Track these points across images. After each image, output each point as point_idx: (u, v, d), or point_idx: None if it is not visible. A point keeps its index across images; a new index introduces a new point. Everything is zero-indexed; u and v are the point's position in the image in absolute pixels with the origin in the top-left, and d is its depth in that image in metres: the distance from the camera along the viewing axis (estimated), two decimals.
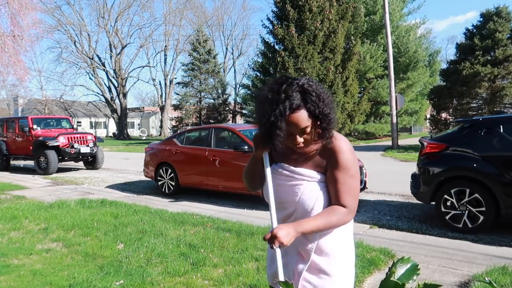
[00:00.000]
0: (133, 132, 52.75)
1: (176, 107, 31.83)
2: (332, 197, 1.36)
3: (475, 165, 4.59)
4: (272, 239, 1.23)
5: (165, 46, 42.98)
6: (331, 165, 1.36)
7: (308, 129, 1.31)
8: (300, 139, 1.32)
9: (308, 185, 1.37)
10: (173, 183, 7.52)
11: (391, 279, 0.96)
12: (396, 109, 17.28)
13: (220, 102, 31.76)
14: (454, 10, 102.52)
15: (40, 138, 11.77)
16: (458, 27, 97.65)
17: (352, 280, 1.44)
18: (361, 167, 6.35)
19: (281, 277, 1.21)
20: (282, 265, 1.24)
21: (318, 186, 1.37)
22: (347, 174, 1.35)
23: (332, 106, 1.35)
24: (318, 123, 1.32)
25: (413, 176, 5.48)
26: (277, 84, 1.31)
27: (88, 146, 12.08)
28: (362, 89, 23.35)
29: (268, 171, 1.38)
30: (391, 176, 9.27)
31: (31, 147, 11.89)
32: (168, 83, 42.66)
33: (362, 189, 6.32)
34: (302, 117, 1.29)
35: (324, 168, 1.38)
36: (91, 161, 12.55)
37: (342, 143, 1.37)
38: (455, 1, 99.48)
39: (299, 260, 1.38)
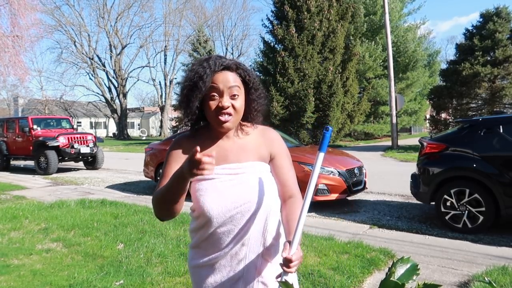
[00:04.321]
0: (133, 132, 52.78)
1: (176, 107, 31.79)
2: (283, 186, 1.28)
3: (474, 165, 4.59)
4: (294, 262, 1.05)
5: (165, 46, 43.01)
6: (275, 153, 1.30)
7: (237, 96, 1.20)
8: (228, 102, 1.18)
9: (264, 177, 1.25)
10: None
11: (391, 279, 0.96)
12: (396, 109, 17.30)
13: None
14: (458, 11, 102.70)
15: (40, 138, 11.77)
16: (462, 28, 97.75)
17: None
18: (360, 167, 6.36)
19: None
20: None
21: (271, 177, 1.28)
22: (289, 160, 1.33)
23: (263, 93, 1.29)
24: (248, 95, 1.25)
25: (413, 176, 5.48)
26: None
27: (88, 146, 12.08)
28: (362, 89, 23.36)
29: (316, 170, 1.12)
30: (391, 176, 9.28)
31: (31, 147, 11.90)
32: (168, 83, 42.68)
33: (362, 189, 6.32)
34: (233, 77, 1.20)
35: (268, 159, 1.30)
36: (91, 161, 12.55)
37: (275, 133, 1.35)
38: (459, 2, 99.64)
39: (267, 261, 1.25)
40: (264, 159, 1.29)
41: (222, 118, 1.18)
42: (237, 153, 1.26)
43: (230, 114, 1.19)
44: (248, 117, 1.27)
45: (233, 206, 1.19)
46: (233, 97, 1.20)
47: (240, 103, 1.21)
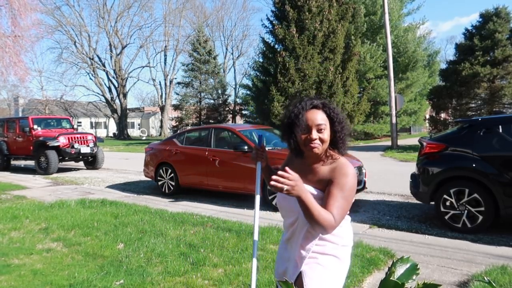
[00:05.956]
0: (133, 132, 52.75)
1: (176, 107, 31.83)
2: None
3: (474, 165, 4.60)
4: (286, 178, 1.32)
5: (165, 46, 42.97)
6: (332, 183, 1.49)
7: (323, 130, 1.51)
8: (315, 135, 1.50)
9: None
10: (173, 183, 7.52)
11: (391, 278, 0.97)
12: (396, 109, 17.30)
13: (220, 102, 31.76)
14: (459, 11, 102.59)
15: (41, 138, 11.77)
16: (463, 28, 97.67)
17: (348, 264, 1.62)
18: (360, 167, 6.36)
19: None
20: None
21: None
22: (342, 194, 1.46)
23: (346, 125, 1.58)
24: (333, 128, 1.54)
25: (413, 176, 5.49)
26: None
27: (88, 146, 12.09)
28: (362, 89, 23.36)
29: (258, 174, 1.70)
30: (390, 176, 9.29)
31: (31, 147, 11.90)
32: (168, 83, 42.64)
33: (361, 189, 6.33)
34: (320, 115, 1.53)
35: (325, 186, 1.51)
36: (91, 161, 12.56)
37: (348, 169, 1.52)
38: (460, 3, 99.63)
39: (302, 249, 1.56)
40: (321, 186, 1.54)
41: (311, 146, 1.51)
42: (305, 174, 1.55)
43: (316, 146, 1.51)
44: (336, 143, 1.57)
45: (288, 209, 1.61)
46: (319, 131, 1.52)
47: (326, 135, 1.53)
